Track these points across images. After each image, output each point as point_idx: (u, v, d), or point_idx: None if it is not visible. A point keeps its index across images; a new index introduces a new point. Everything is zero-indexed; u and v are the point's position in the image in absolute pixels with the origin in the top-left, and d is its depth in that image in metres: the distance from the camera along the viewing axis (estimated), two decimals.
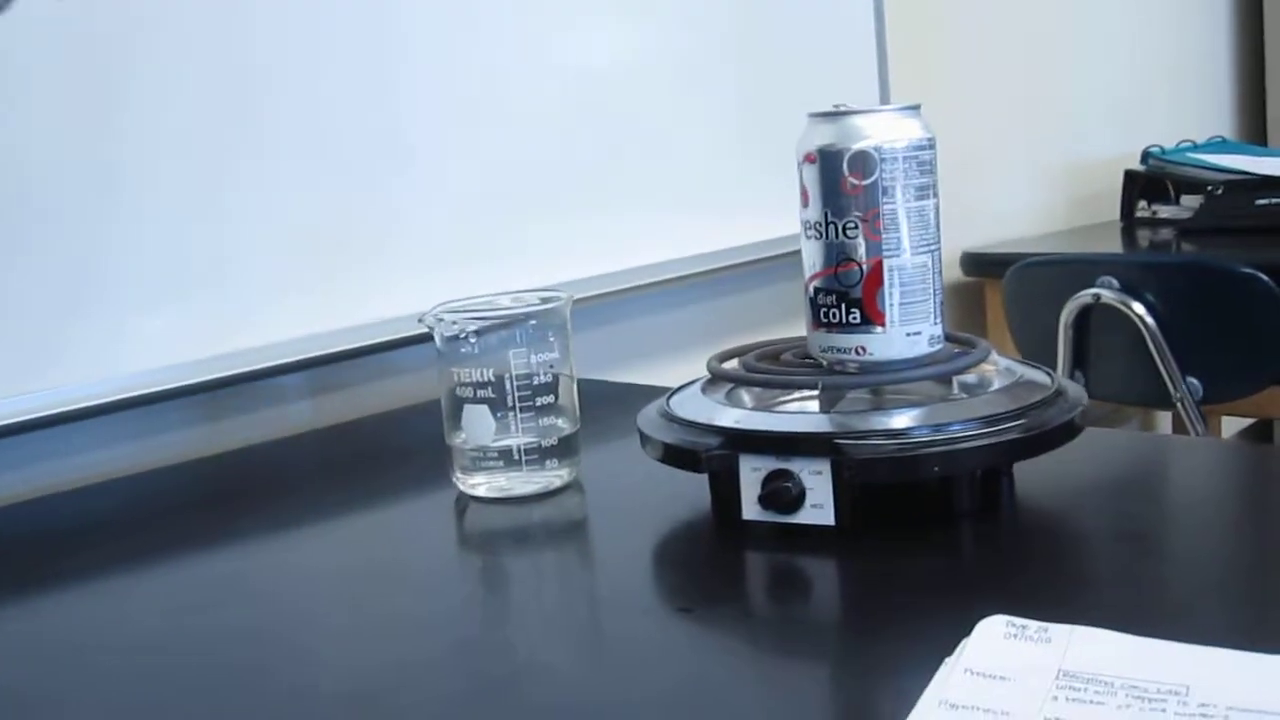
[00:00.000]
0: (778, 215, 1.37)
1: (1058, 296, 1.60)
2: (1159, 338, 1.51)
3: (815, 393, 0.74)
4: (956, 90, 1.93)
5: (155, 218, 1.00)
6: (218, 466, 1.03)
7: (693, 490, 0.75)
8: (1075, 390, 0.75)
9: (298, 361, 1.07)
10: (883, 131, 0.70)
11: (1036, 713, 0.46)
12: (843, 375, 0.73)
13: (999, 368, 0.77)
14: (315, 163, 1.09)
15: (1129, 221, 2.11)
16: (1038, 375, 0.76)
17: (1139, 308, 1.52)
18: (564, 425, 0.83)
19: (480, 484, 0.83)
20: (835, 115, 0.71)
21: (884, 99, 1.67)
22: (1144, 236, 2.01)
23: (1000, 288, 1.73)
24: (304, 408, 1.14)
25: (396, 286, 1.13)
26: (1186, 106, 2.45)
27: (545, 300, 0.84)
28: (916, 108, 0.72)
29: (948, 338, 0.77)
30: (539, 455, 0.82)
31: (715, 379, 0.79)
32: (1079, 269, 1.60)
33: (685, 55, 1.42)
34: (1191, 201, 2.01)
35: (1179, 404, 1.53)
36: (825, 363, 0.74)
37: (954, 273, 1.88)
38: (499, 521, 0.81)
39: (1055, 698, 0.46)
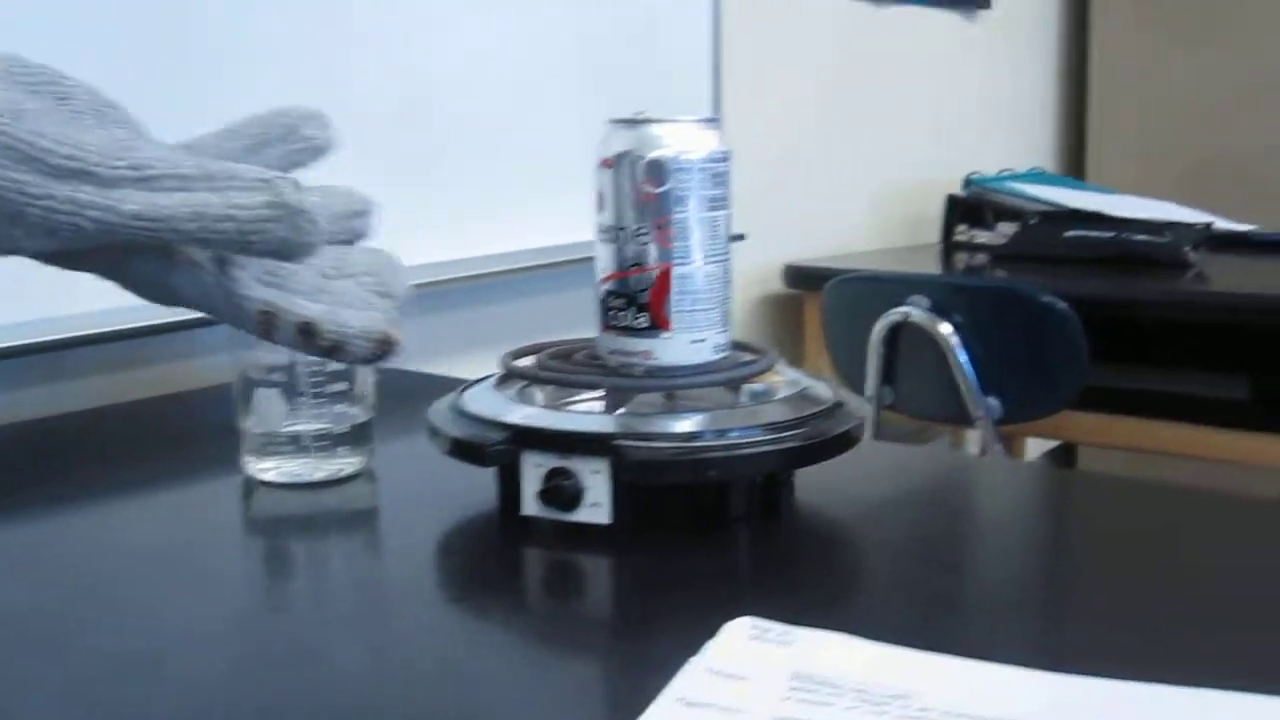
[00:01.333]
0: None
1: (871, 313, 1.65)
2: (960, 357, 1.56)
3: (602, 394, 0.75)
4: (787, 108, 1.97)
5: None
6: (6, 438, 1.00)
7: (482, 484, 0.76)
8: (856, 403, 0.78)
9: (91, 335, 1.05)
10: (679, 141, 0.72)
11: (768, 712, 0.47)
12: (628, 378, 0.74)
13: (785, 379, 0.80)
14: None
15: (948, 244, 2.18)
16: (820, 387, 0.79)
17: (945, 327, 1.57)
18: (357, 413, 0.83)
19: (269, 469, 0.82)
20: (634, 123, 0.72)
21: (717, 114, 1.70)
22: (960, 260, 2.08)
23: (817, 300, 1.77)
24: (96, 383, 1.12)
25: None
26: (1010, 137, 2.54)
27: None
28: (715, 120, 0.73)
29: (737, 346, 0.79)
30: (330, 442, 0.82)
31: (509, 375, 0.79)
32: (893, 287, 1.65)
33: (522, 59, 1.42)
34: (1008, 229, 2.09)
35: (978, 422, 1.59)
36: (613, 365, 0.75)
37: (776, 284, 1.92)
38: (285, 507, 0.81)
39: (787, 698, 0.48)
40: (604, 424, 0.71)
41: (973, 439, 2.39)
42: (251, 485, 0.83)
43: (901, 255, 2.10)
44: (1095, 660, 0.51)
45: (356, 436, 0.83)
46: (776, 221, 1.91)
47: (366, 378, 0.84)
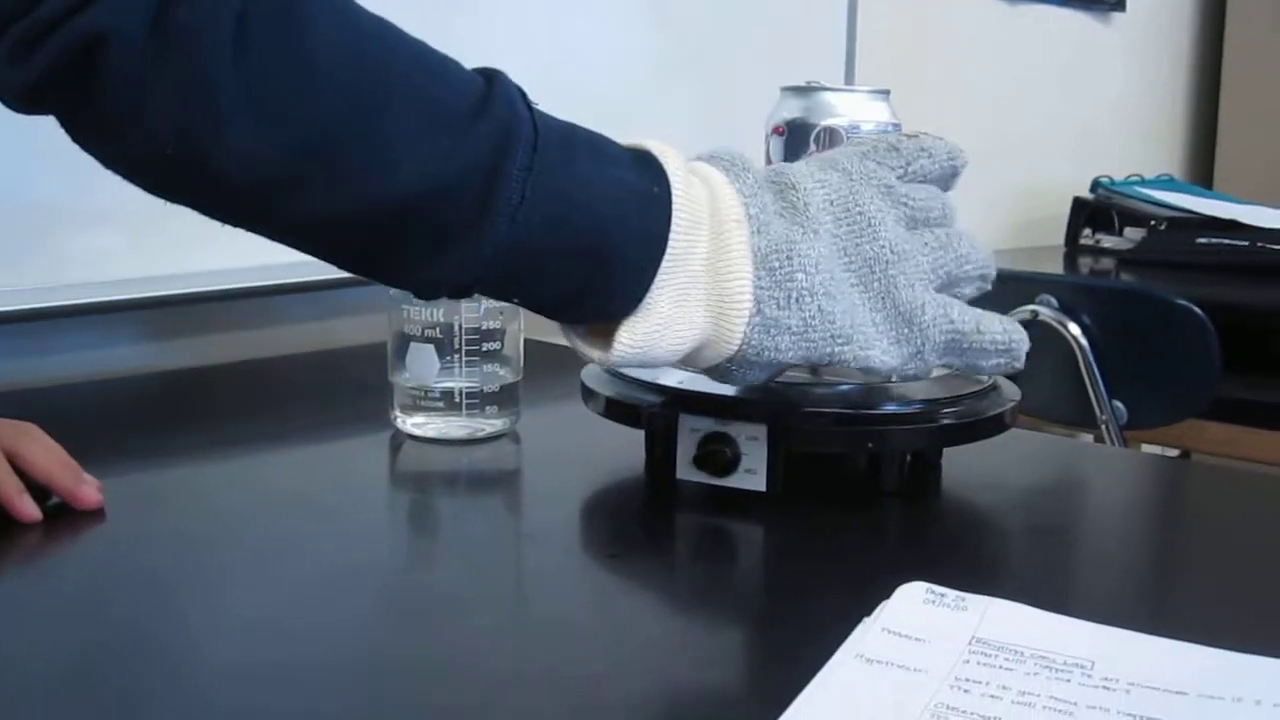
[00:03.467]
0: None
1: (997, 309, 1.63)
2: (1090, 359, 1.54)
3: None
4: (917, 102, 1.96)
5: None
6: (164, 384, 1.03)
7: (628, 449, 0.76)
8: (1009, 387, 0.77)
9: (252, 289, 1.07)
10: (853, 110, 0.72)
11: (948, 672, 0.47)
12: None
13: None
14: None
15: (1073, 247, 2.15)
16: None
17: (1074, 328, 1.55)
18: (506, 375, 0.84)
19: (419, 423, 0.83)
20: (807, 90, 0.72)
21: None
22: (1085, 263, 2.05)
23: None
24: (254, 336, 1.14)
25: None
26: (1139, 142, 2.50)
27: None
28: (886, 92, 0.73)
29: None
30: (479, 400, 0.82)
31: None
32: (1020, 286, 1.63)
33: (658, 46, 1.43)
34: (1135, 234, 2.05)
35: (1104, 426, 1.56)
36: None
37: None
38: (433, 462, 0.82)
39: (967, 660, 0.48)
40: (763, 391, 0.71)
41: (1087, 441, 2.36)
42: (400, 439, 0.84)
43: (1026, 256, 2.07)
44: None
45: (505, 397, 0.84)
46: None
47: (518, 340, 0.84)
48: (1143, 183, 2.19)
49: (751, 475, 0.70)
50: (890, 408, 0.70)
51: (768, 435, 0.69)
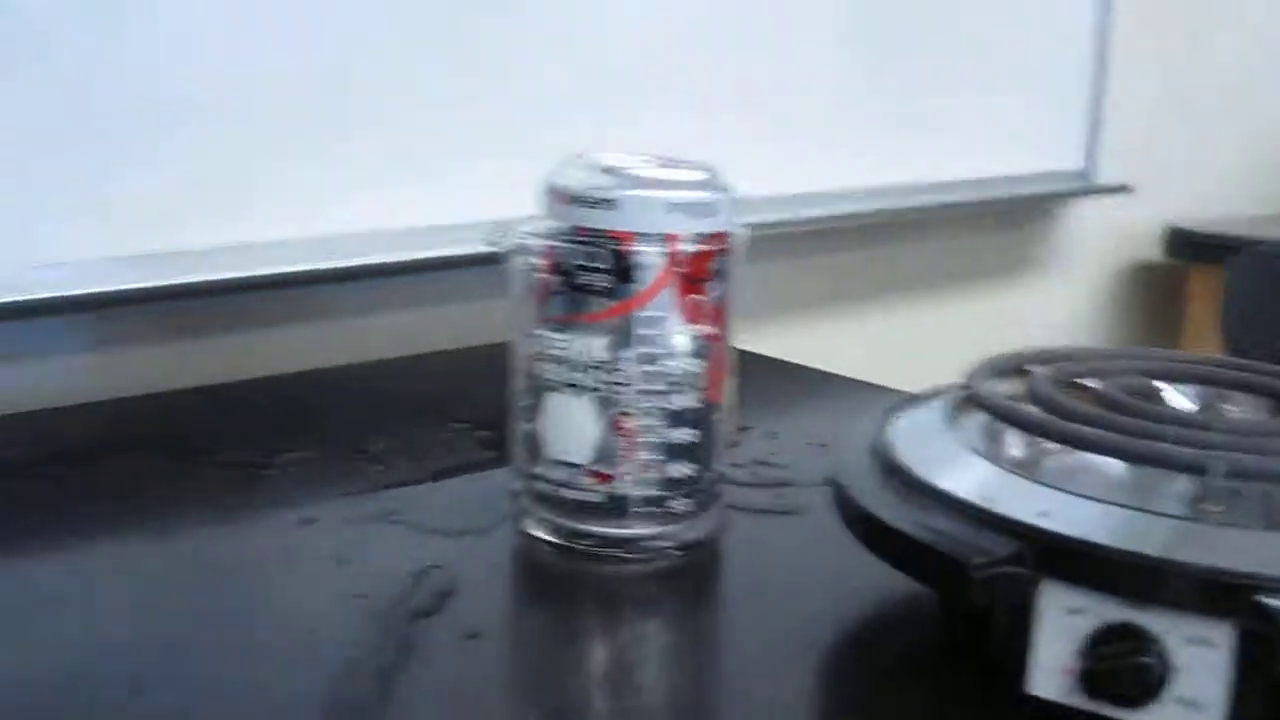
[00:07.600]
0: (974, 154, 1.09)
1: None
2: None
3: (1192, 475, 0.41)
4: (1179, 39, 1.57)
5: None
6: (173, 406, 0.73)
7: (911, 599, 0.44)
8: None
9: (325, 271, 0.77)
10: None
11: None
12: (1250, 455, 0.39)
13: None
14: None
15: None
16: None
17: None
18: (706, 441, 0.51)
19: (559, 523, 0.51)
20: None
21: (1102, 47, 1.33)
22: None
23: (1207, 275, 1.40)
24: (302, 336, 0.84)
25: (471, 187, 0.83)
26: None
27: None
28: None
29: None
30: (658, 488, 0.50)
31: (977, 404, 0.46)
32: None
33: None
34: None
35: None
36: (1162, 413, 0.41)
37: (1150, 249, 1.53)
38: (580, 592, 0.49)
39: None
40: (1217, 549, 0.37)
41: None
42: (528, 546, 0.52)
43: None
44: None
45: (701, 481, 0.51)
46: (1159, 174, 1.51)
47: (727, 382, 0.52)
48: None
49: (1191, 709, 0.36)
50: None
51: (1237, 643, 0.35)
